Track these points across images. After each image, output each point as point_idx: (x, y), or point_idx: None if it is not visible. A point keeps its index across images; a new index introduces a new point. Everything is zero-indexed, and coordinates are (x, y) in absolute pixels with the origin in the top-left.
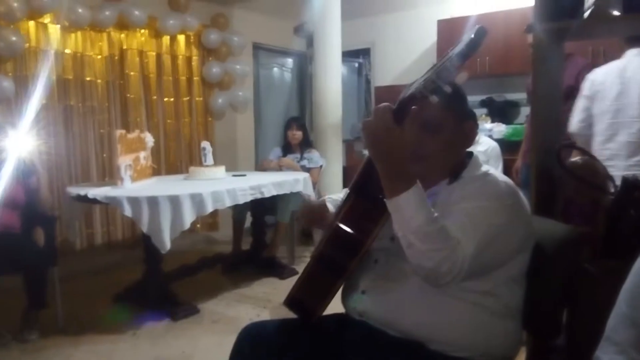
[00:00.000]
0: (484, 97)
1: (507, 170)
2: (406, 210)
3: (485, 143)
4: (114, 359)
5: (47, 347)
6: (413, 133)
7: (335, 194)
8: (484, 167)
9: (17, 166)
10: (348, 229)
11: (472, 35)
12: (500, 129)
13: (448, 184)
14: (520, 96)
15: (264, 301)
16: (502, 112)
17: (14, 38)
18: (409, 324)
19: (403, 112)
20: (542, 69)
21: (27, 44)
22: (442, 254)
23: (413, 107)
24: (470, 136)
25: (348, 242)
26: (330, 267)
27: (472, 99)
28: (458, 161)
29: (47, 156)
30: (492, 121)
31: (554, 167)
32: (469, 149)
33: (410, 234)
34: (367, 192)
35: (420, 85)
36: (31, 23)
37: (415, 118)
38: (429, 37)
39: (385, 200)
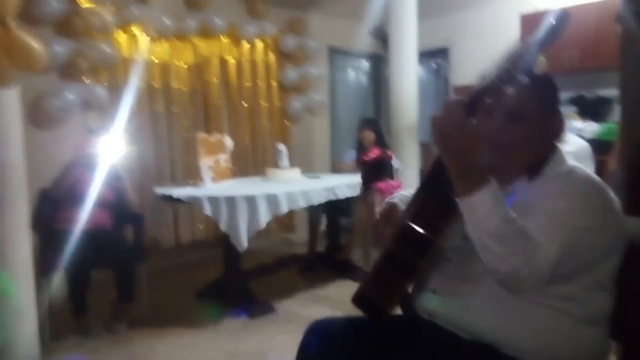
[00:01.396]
0: (573, 94)
1: (599, 173)
2: (480, 210)
3: (575, 143)
4: (194, 352)
5: (134, 339)
6: (487, 127)
7: (407, 190)
8: (569, 163)
9: (107, 170)
10: (417, 228)
11: (553, 21)
12: (592, 127)
13: (528, 181)
14: (614, 92)
15: (339, 302)
16: (593, 109)
17: (107, 49)
18: (482, 327)
19: (476, 105)
20: (631, 59)
21: (120, 54)
22: (521, 258)
23: (488, 100)
24: (557, 131)
25: (417, 241)
26: (398, 266)
27: (561, 96)
28: (540, 156)
29: (136, 159)
30: (583, 119)
31: None
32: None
33: (485, 236)
34: (438, 189)
35: (495, 76)
36: (123, 35)
37: (490, 111)
38: (512, 33)
39: (457, 199)
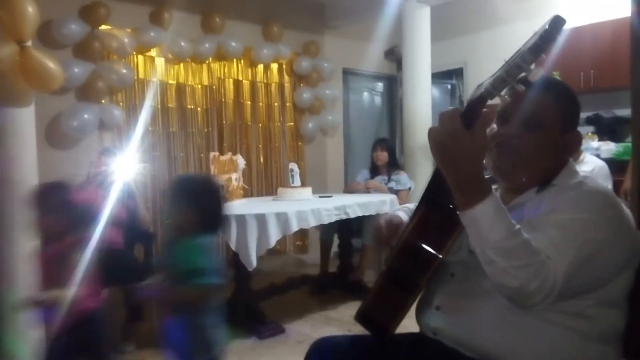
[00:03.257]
0: (590, 113)
1: (616, 192)
2: (483, 223)
3: (592, 162)
4: None
5: (142, 359)
6: (484, 138)
7: (412, 204)
8: (580, 175)
9: (120, 188)
10: (419, 243)
11: (547, 26)
12: (609, 147)
13: (537, 192)
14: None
15: (350, 325)
16: (610, 129)
17: (124, 71)
18: (487, 345)
19: (473, 115)
20: None
21: (136, 76)
22: (529, 272)
23: (484, 109)
24: (572, 146)
25: (419, 256)
26: (400, 283)
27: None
28: (552, 168)
29: (150, 178)
30: (600, 139)
31: None
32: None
33: (490, 250)
34: (439, 202)
35: (490, 85)
36: (139, 57)
37: (487, 121)
38: None
39: (458, 213)
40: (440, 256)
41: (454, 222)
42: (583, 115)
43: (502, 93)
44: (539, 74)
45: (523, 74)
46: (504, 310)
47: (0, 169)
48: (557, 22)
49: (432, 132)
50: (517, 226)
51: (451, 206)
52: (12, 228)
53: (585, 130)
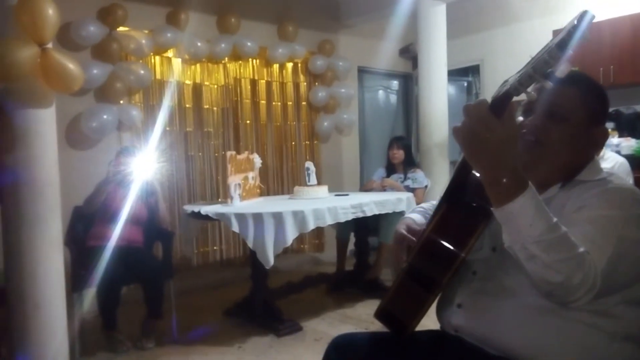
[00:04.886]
0: (610, 109)
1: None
2: (523, 218)
3: (612, 159)
4: None
5: (162, 356)
6: (515, 125)
7: (427, 203)
8: (605, 171)
9: (141, 186)
10: (441, 241)
11: (575, 21)
12: (630, 143)
13: (561, 187)
14: None
15: (367, 323)
16: (631, 125)
17: (142, 72)
18: (510, 343)
19: (501, 105)
20: None
21: (153, 77)
22: (572, 264)
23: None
24: (599, 141)
25: (441, 255)
26: (421, 281)
27: None
28: (577, 163)
29: (167, 177)
30: (620, 135)
31: None
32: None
33: (532, 245)
34: (461, 201)
35: (516, 81)
36: (157, 58)
37: (514, 111)
38: None
39: (493, 209)
40: (463, 255)
41: (477, 220)
42: None
43: (529, 89)
44: (566, 70)
45: (550, 70)
46: (528, 309)
47: (23, 168)
48: (585, 18)
49: (458, 128)
50: (555, 219)
51: (474, 204)
52: (35, 224)
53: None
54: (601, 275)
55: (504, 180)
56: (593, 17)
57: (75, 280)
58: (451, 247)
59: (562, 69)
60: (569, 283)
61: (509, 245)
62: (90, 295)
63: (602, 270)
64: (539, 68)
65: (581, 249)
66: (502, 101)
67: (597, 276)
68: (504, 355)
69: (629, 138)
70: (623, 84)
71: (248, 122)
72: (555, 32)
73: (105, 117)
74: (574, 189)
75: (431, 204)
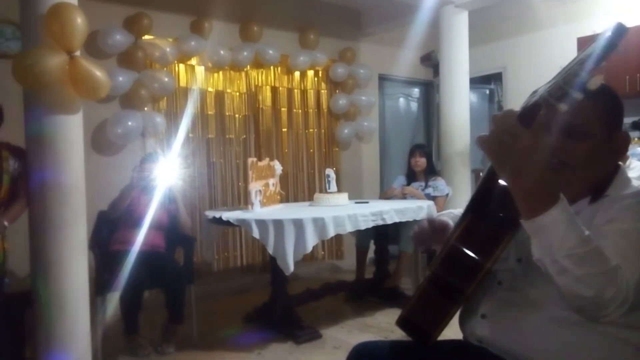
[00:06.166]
0: (636, 118)
1: None
2: (555, 230)
3: (638, 168)
4: None
5: None
6: (544, 136)
7: (457, 209)
8: (634, 183)
9: (163, 193)
10: (466, 251)
11: (609, 33)
12: None
13: (590, 202)
14: None
15: (387, 332)
16: None
17: (166, 79)
18: (535, 355)
19: (529, 115)
20: None
21: (177, 84)
22: (604, 279)
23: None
24: (621, 148)
25: (465, 264)
26: (445, 290)
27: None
28: (604, 175)
29: (189, 183)
30: None
31: None
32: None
33: (563, 259)
34: (487, 211)
35: (546, 92)
36: (181, 65)
37: (542, 124)
38: (568, 56)
39: (522, 222)
40: (488, 265)
41: (503, 231)
42: (629, 120)
43: (559, 102)
44: (598, 82)
45: (581, 82)
46: (553, 321)
47: (50, 172)
48: (619, 30)
49: (484, 137)
50: (587, 232)
51: (500, 215)
52: (61, 228)
53: (631, 135)
54: (633, 290)
55: (534, 191)
56: (627, 30)
57: (99, 283)
58: (476, 257)
59: (594, 81)
60: (600, 298)
61: (539, 257)
62: (113, 299)
63: (636, 283)
64: (569, 79)
65: (613, 263)
66: (531, 111)
67: (630, 291)
68: None
69: None
70: None
71: (269, 129)
72: (580, 40)
73: (130, 123)
74: (603, 202)
75: (459, 211)
